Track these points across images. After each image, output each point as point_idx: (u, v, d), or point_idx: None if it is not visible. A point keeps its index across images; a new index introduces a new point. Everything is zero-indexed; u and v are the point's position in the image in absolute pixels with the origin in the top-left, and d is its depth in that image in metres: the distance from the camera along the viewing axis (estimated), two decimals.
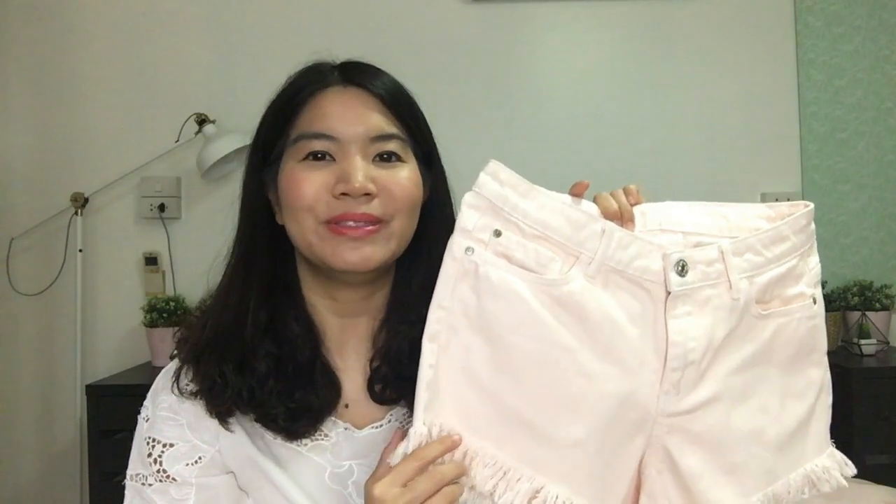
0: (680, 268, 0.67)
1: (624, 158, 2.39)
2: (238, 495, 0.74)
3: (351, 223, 0.71)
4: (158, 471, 0.73)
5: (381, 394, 0.76)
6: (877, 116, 2.39)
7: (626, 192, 0.76)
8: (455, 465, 0.64)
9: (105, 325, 2.36)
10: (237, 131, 2.24)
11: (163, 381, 0.78)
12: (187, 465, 0.73)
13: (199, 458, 0.74)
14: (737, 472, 0.69)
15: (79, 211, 2.27)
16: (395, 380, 0.76)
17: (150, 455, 0.74)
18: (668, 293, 0.67)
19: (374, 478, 0.64)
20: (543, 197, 0.69)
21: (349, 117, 0.73)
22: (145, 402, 0.78)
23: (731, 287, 0.68)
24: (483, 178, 0.68)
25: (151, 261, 2.35)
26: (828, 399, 0.78)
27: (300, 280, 0.79)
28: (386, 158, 0.74)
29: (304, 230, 0.72)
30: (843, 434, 2.00)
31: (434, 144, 0.81)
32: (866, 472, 1.84)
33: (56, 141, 2.38)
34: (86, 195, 2.29)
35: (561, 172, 2.34)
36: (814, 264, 0.76)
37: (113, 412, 1.96)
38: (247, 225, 0.79)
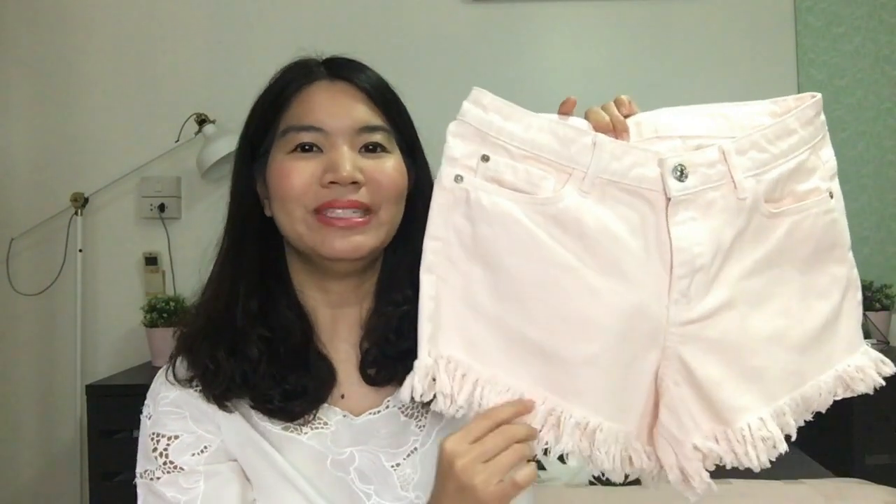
0: (679, 173, 0.65)
1: None
2: (245, 481, 0.75)
3: (339, 211, 0.73)
4: (165, 463, 0.74)
5: (374, 376, 0.77)
6: (877, 116, 2.38)
7: (618, 104, 0.72)
8: (526, 425, 0.64)
9: (105, 325, 2.36)
10: (237, 131, 2.21)
11: (162, 378, 0.79)
12: (193, 454, 0.74)
13: (205, 447, 0.74)
14: (759, 377, 0.67)
15: (79, 211, 2.27)
16: (384, 360, 0.76)
17: (155, 449, 0.75)
18: (669, 200, 0.65)
19: (448, 436, 0.65)
20: (530, 117, 0.67)
21: (336, 110, 0.75)
22: (146, 402, 0.78)
23: (735, 188, 0.66)
24: (466, 105, 0.66)
25: (151, 261, 2.35)
26: (857, 296, 0.74)
27: (290, 272, 0.80)
28: (372, 149, 0.76)
29: (294, 220, 0.74)
30: (843, 434, 2.00)
31: (417, 136, 0.82)
32: (866, 472, 1.84)
33: (56, 141, 2.38)
34: (86, 195, 2.29)
35: None
36: (828, 157, 0.73)
37: (113, 412, 1.96)
38: (236, 217, 0.80)
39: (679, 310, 0.65)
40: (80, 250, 2.27)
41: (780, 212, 0.69)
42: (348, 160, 0.73)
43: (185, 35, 2.40)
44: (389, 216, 0.76)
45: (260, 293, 0.77)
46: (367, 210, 0.74)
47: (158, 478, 0.74)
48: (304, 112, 0.76)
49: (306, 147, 0.74)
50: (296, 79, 0.78)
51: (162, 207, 2.34)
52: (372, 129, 0.76)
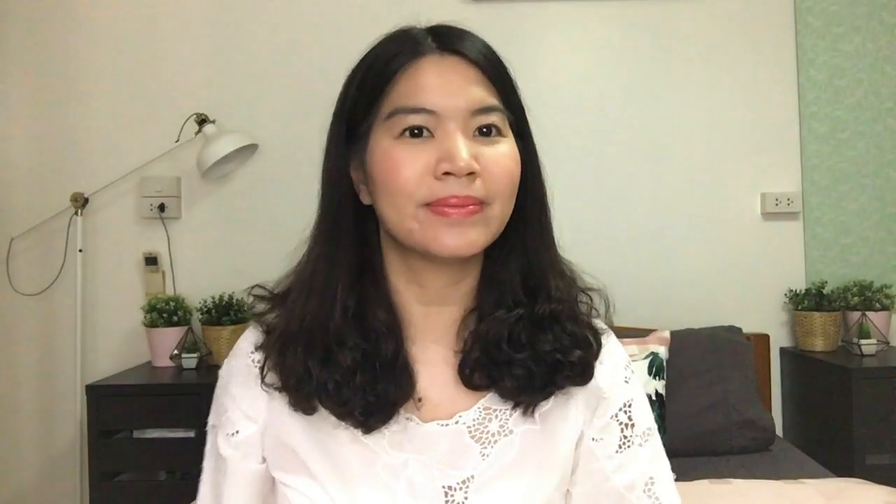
0: None
1: (624, 158, 2.39)
2: (262, 490, 0.73)
3: (454, 201, 0.65)
4: (217, 433, 0.75)
5: (472, 378, 0.71)
6: (877, 116, 2.39)
7: None
8: None
9: (105, 325, 2.36)
10: (237, 131, 2.24)
11: (241, 344, 0.77)
12: (228, 434, 0.73)
13: (237, 431, 0.73)
14: None
15: (79, 211, 2.27)
16: (488, 364, 0.70)
17: (217, 413, 0.76)
18: None
19: None
20: None
21: (449, 89, 0.67)
22: (230, 358, 0.78)
23: None
24: None
25: (151, 261, 2.35)
26: None
27: (386, 265, 0.73)
28: (486, 133, 0.68)
29: (404, 216, 0.66)
30: (843, 434, 2.00)
31: (527, 117, 0.75)
32: (866, 472, 1.85)
33: (56, 141, 2.38)
34: (86, 195, 2.29)
35: (561, 172, 2.33)
36: None
37: (113, 412, 1.96)
38: (331, 206, 0.72)
39: None
40: (80, 250, 2.27)
41: None
42: (464, 148, 0.65)
43: (185, 35, 2.40)
44: (502, 210, 0.69)
45: (356, 292, 0.71)
46: (481, 203, 0.66)
47: (216, 436, 0.75)
48: (413, 91, 0.67)
49: (416, 131, 0.66)
50: (401, 52, 0.70)
51: (162, 207, 2.34)
52: (487, 109, 0.68)
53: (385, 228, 0.71)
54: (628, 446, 0.74)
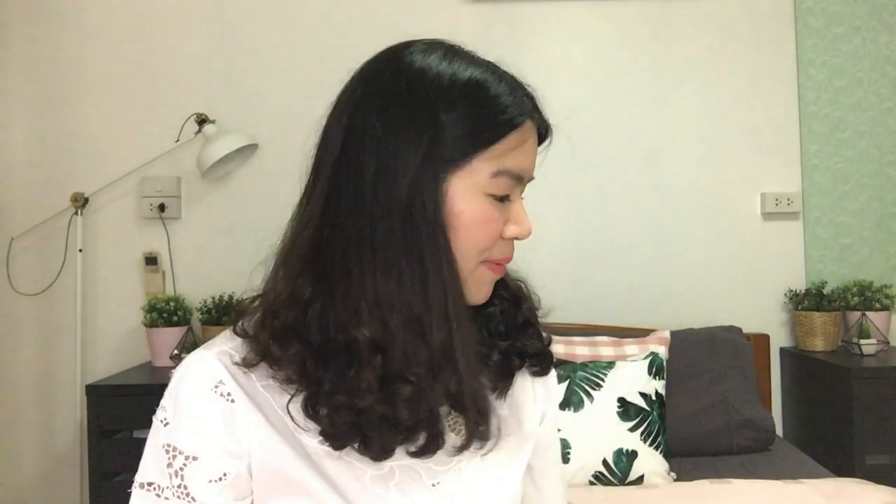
0: None
1: (624, 158, 2.39)
2: None
3: (505, 260, 0.71)
4: (179, 486, 0.66)
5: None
6: (877, 116, 2.39)
7: None
8: None
9: (105, 325, 2.37)
10: (237, 131, 2.24)
11: (195, 379, 0.67)
12: (210, 481, 0.66)
13: (224, 474, 0.66)
14: None
15: (79, 211, 2.27)
16: None
17: (169, 465, 0.66)
18: None
19: None
20: None
21: (535, 159, 0.72)
22: (163, 403, 0.68)
23: None
24: None
25: (151, 261, 2.35)
26: None
27: None
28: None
29: (465, 267, 0.68)
30: (844, 434, 2.00)
31: None
32: (866, 472, 1.85)
33: (56, 141, 2.38)
34: (86, 195, 2.29)
35: (561, 172, 2.33)
36: None
37: (113, 412, 1.96)
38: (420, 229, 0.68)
39: None
40: (80, 250, 2.27)
41: None
42: (528, 217, 0.70)
43: (185, 35, 2.40)
44: None
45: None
46: None
47: (167, 498, 0.66)
48: (521, 158, 0.68)
49: (504, 197, 0.69)
50: (521, 109, 0.69)
51: (162, 207, 2.34)
52: (531, 180, 0.73)
53: None
54: (550, 419, 0.86)
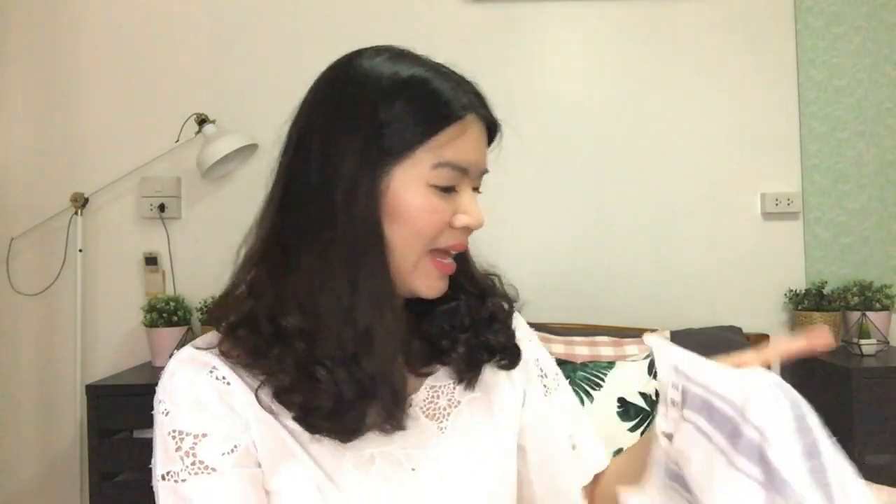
0: None
1: (624, 158, 2.39)
2: (264, 496, 0.70)
3: (449, 260, 0.73)
4: (193, 463, 0.66)
5: (418, 363, 0.78)
6: (877, 116, 2.39)
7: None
8: None
9: (105, 325, 2.36)
10: (237, 131, 2.24)
11: (185, 372, 0.70)
12: (224, 454, 0.67)
13: (235, 446, 0.68)
14: None
15: (79, 211, 2.27)
16: (432, 348, 0.78)
17: (178, 448, 0.67)
18: None
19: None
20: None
21: (481, 152, 0.74)
22: (159, 397, 0.70)
23: None
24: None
25: (151, 261, 2.35)
26: None
27: None
28: (474, 190, 0.76)
29: (412, 255, 0.70)
30: (844, 434, 2.00)
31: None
32: (866, 472, 1.84)
33: (56, 141, 2.38)
34: (86, 195, 2.29)
35: (561, 172, 2.34)
36: None
37: (113, 412, 1.96)
38: (355, 221, 0.72)
39: None
40: (80, 250, 2.27)
41: None
42: (478, 207, 0.73)
43: (185, 35, 2.40)
44: None
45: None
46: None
47: (184, 480, 0.66)
48: (462, 148, 0.70)
49: (451, 188, 0.71)
50: (462, 103, 0.72)
51: (162, 207, 2.34)
52: (484, 173, 0.76)
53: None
54: (549, 393, 0.87)
